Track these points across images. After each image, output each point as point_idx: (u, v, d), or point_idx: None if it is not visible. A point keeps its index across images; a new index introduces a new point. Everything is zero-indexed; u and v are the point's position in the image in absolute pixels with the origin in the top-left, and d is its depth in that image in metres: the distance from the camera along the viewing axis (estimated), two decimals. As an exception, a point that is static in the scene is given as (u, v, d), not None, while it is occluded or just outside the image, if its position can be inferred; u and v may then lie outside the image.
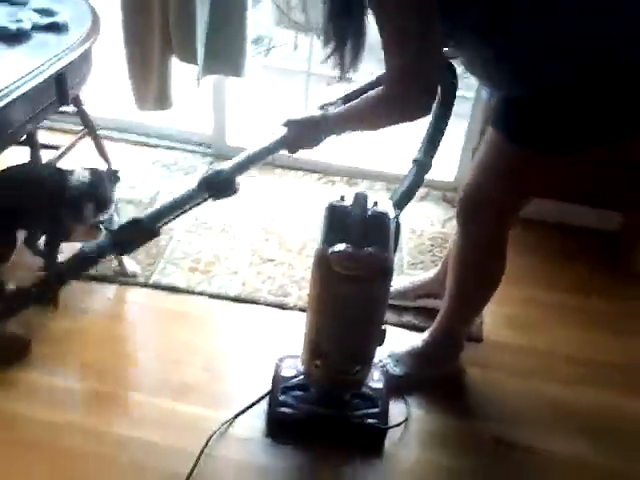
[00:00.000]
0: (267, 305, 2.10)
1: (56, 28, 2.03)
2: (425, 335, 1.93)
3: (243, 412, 1.74)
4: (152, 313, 2.06)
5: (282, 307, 2.09)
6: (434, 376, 1.90)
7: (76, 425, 1.67)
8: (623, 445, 1.79)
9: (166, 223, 1.48)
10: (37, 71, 1.84)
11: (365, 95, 1.44)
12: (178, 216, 1.49)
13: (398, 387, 1.83)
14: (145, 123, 2.86)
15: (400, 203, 1.49)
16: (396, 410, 1.78)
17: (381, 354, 1.83)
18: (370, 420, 1.70)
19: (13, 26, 1.96)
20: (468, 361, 1.99)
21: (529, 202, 1.68)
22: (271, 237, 2.39)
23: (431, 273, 2.14)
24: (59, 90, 2.00)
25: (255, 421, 1.74)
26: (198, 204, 1.48)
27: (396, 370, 1.87)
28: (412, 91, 1.30)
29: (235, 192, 1.48)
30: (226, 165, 1.47)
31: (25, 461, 1.57)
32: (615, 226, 2.58)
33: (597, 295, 2.30)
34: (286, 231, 2.42)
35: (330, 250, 1.38)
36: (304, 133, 1.53)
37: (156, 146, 2.84)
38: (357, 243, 1.38)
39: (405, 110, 1.35)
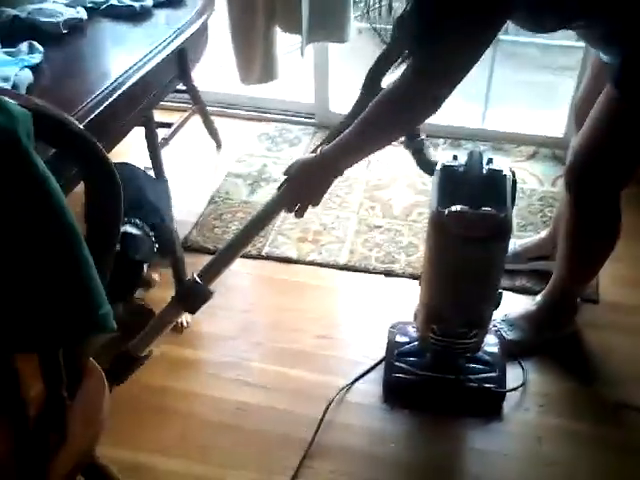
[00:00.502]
0: (375, 273, 2.13)
1: (174, 3, 2.09)
2: (539, 298, 1.90)
3: (359, 378, 1.79)
4: (265, 283, 2.14)
5: (390, 274, 2.12)
6: (549, 340, 1.87)
7: (202, 395, 1.77)
8: None
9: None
10: (161, 47, 1.91)
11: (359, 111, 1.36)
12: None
13: (513, 352, 1.82)
14: (249, 96, 2.92)
15: None
16: (512, 374, 1.77)
17: (495, 319, 1.82)
18: (487, 384, 1.70)
19: (137, 4, 2.06)
20: (585, 323, 1.95)
21: None
22: (376, 205, 2.40)
23: (542, 234, 2.10)
24: (180, 65, 2.05)
25: (371, 387, 1.78)
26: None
27: (510, 335, 1.86)
28: (427, 93, 1.27)
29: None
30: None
31: (158, 426, 1.69)
32: None
33: None
34: (391, 198, 2.43)
35: (446, 211, 1.37)
36: (303, 182, 1.40)
37: (260, 119, 2.90)
38: (473, 203, 1.36)
39: (414, 107, 1.30)
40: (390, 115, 1.32)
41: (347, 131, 1.34)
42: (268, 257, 2.19)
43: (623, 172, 1.56)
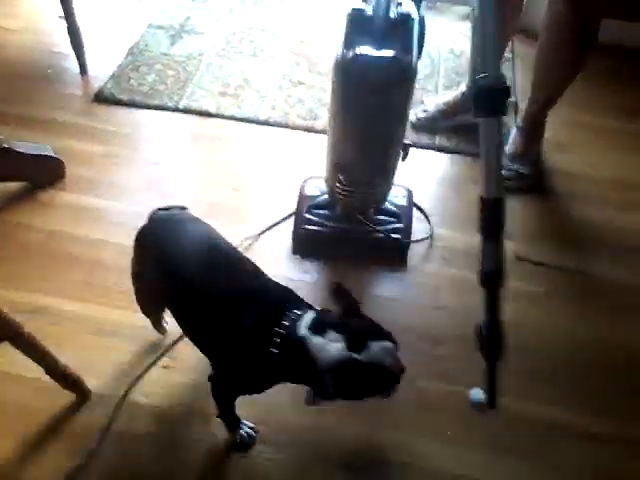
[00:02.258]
0: (296, 129, 2.08)
1: None
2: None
3: (268, 229, 1.79)
4: (181, 137, 2.08)
5: (311, 130, 2.07)
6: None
7: (109, 242, 1.75)
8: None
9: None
10: None
11: None
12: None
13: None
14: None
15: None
16: (420, 227, 1.80)
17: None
18: (394, 235, 1.72)
19: None
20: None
21: None
22: (301, 60, 2.32)
23: (463, 87, 2.08)
24: None
25: (282, 239, 1.78)
26: None
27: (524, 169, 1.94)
28: None
29: None
30: None
31: (62, 271, 1.68)
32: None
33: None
34: (317, 54, 2.34)
35: (351, 54, 1.33)
36: None
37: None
38: (379, 46, 1.32)
39: None
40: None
41: None
42: (185, 110, 2.12)
43: None
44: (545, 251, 1.80)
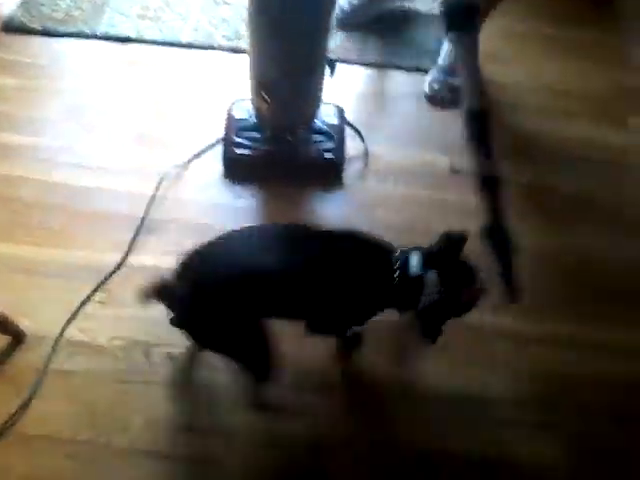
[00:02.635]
0: (221, 50, 2.00)
1: None
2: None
3: (197, 156, 1.74)
4: (102, 65, 1.97)
5: (237, 51, 1.99)
6: None
7: (30, 178, 1.68)
8: (591, 173, 1.80)
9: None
10: None
11: None
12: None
13: None
14: None
15: None
16: (353, 145, 1.77)
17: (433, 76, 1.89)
18: (327, 154, 1.70)
19: None
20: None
21: None
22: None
23: None
24: None
25: (212, 165, 1.74)
26: None
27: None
28: None
29: None
30: None
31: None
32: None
33: (575, 24, 2.18)
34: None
35: None
36: None
37: None
38: None
39: None
40: None
41: None
42: (104, 37, 2.01)
43: None
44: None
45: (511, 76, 2.02)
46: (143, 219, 1.59)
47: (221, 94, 1.86)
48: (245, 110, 1.74)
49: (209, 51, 2.00)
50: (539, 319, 1.50)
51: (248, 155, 1.69)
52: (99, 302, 1.46)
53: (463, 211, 1.67)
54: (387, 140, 1.83)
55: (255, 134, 1.70)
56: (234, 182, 1.71)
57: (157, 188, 1.64)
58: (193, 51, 2.00)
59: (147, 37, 2.02)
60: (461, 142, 1.81)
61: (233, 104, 1.77)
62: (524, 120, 1.93)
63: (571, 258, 1.63)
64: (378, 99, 1.97)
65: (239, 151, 1.70)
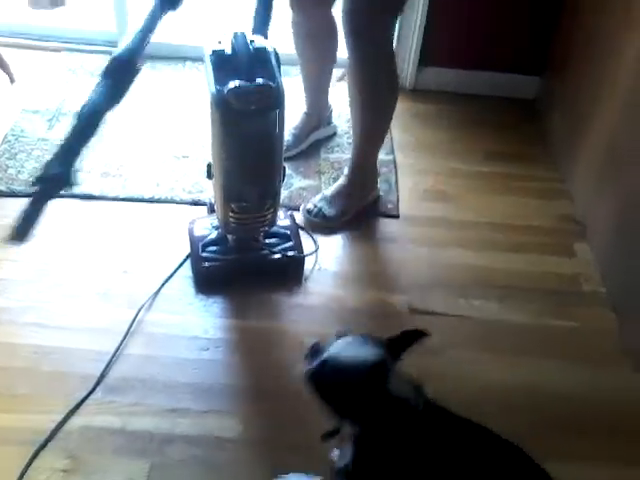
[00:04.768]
0: (182, 203, 2.09)
1: None
2: (346, 171, 2.08)
3: (167, 280, 1.84)
4: (68, 224, 2.02)
5: (198, 204, 2.08)
6: (360, 207, 2.09)
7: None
8: (533, 303, 1.89)
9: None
10: None
11: None
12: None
13: (334, 226, 2.05)
14: (42, 26, 2.72)
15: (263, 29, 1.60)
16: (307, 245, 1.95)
17: (314, 200, 2.07)
18: (289, 252, 1.85)
19: None
20: (385, 237, 2.05)
21: None
22: (182, 134, 2.35)
23: (305, 110, 2.28)
24: None
25: (182, 287, 1.85)
26: None
27: (330, 211, 2.03)
28: None
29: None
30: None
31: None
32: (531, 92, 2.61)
33: (518, 161, 2.36)
34: (195, 126, 2.37)
35: (226, 89, 1.45)
36: None
37: (58, 50, 2.71)
38: (247, 78, 1.46)
39: None
40: None
41: None
42: (69, 196, 2.08)
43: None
44: (437, 300, 1.87)
45: (452, 212, 2.14)
46: (102, 377, 1.60)
47: (182, 244, 1.92)
48: (205, 227, 1.89)
49: (171, 205, 2.09)
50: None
51: (217, 266, 1.82)
52: (63, 470, 1.42)
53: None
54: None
55: (219, 247, 1.84)
56: (207, 295, 1.81)
57: (131, 322, 1.72)
58: (156, 205, 2.08)
59: (110, 194, 2.10)
60: (418, 280, 1.91)
61: (192, 223, 1.91)
62: (462, 253, 2.02)
63: (520, 393, 1.65)
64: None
65: (207, 264, 1.82)
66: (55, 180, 1.38)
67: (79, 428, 1.50)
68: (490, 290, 1.91)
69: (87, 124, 1.37)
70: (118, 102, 1.36)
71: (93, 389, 1.57)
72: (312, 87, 2.25)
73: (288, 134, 2.17)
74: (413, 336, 1.17)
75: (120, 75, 1.37)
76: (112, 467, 1.44)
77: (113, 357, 1.64)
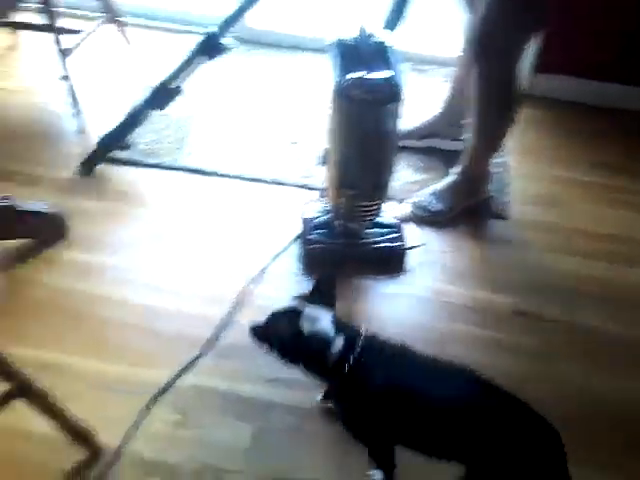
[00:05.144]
0: (292, 186, 2.13)
1: None
2: (458, 169, 2.05)
3: (278, 255, 1.89)
4: (182, 195, 2.09)
5: (309, 188, 2.11)
6: (468, 206, 2.07)
7: (111, 299, 1.76)
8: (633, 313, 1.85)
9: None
10: None
11: None
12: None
13: (440, 221, 2.04)
14: (170, 9, 2.82)
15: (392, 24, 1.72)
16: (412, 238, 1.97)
17: (423, 194, 2.07)
18: (392, 243, 1.89)
19: None
20: (494, 238, 2.04)
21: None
22: (294, 121, 2.39)
23: (434, 113, 2.22)
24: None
25: (285, 271, 1.88)
26: None
27: (437, 206, 2.03)
28: None
29: None
30: None
31: (66, 328, 1.67)
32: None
33: (624, 173, 2.30)
34: (306, 114, 2.41)
35: (348, 79, 1.53)
36: None
37: (179, 32, 2.80)
38: (369, 70, 1.54)
39: None
40: None
41: None
42: (183, 169, 2.16)
43: (520, 36, 1.76)
44: (543, 305, 1.84)
45: (554, 218, 2.11)
46: (211, 342, 1.65)
47: (293, 226, 1.96)
48: (315, 211, 1.94)
49: (283, 187, 2.13)
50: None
51: (324, 249, 1.87)
52: (174, 423, 1.48)
53: (519, 351, 1.71)
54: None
55: (327, 230, 1.89)
56: (312, 274, 1.82)
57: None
58: (265, 185, 2.13)
59: (224, 171, 2.16)
60: (526, 282, 1.89)
61: (305, 205, 1.98)
62: (556, 260, 1.99)
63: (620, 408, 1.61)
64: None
65: (315, 246, 1.87)
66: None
67: (189, 387, 1.56)
68: (599, 301, 1.87)
69: None
70: None
71: (203, 352, 1.62)
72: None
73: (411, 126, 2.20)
74: (326, 282, 1.32)
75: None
76: (219, 426, 1.49)
77: (223, 323, 1.68)
